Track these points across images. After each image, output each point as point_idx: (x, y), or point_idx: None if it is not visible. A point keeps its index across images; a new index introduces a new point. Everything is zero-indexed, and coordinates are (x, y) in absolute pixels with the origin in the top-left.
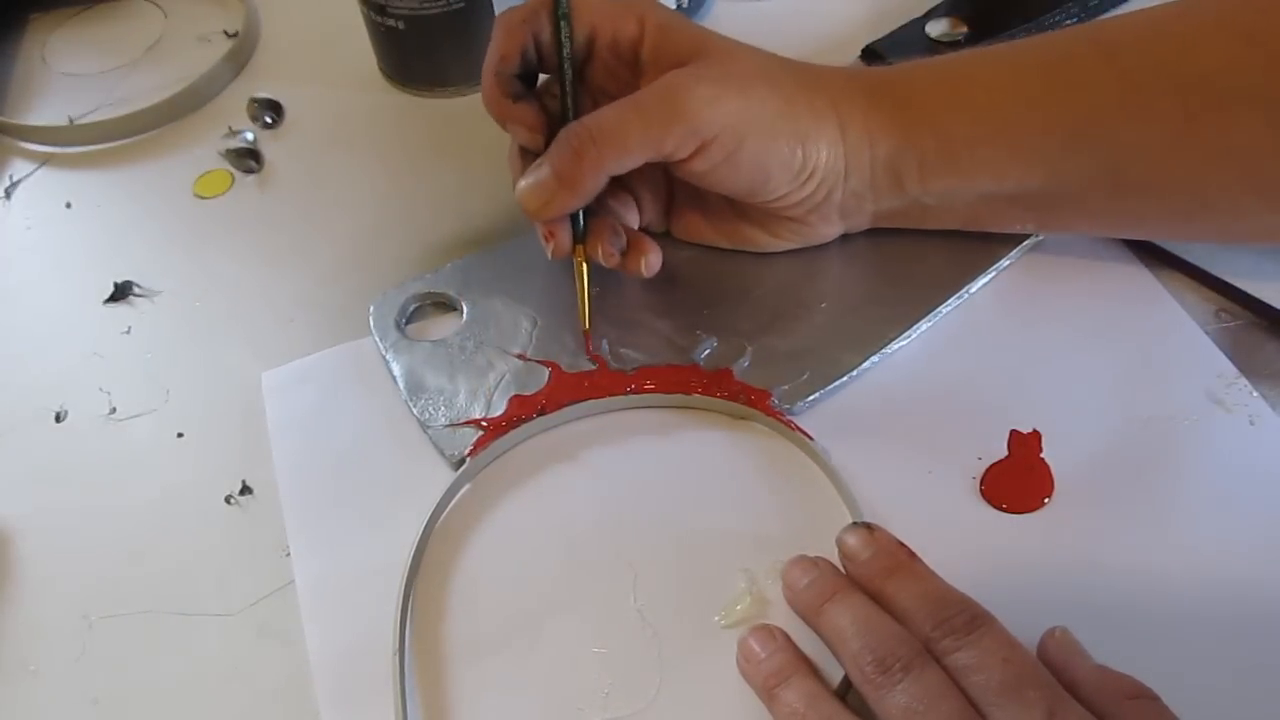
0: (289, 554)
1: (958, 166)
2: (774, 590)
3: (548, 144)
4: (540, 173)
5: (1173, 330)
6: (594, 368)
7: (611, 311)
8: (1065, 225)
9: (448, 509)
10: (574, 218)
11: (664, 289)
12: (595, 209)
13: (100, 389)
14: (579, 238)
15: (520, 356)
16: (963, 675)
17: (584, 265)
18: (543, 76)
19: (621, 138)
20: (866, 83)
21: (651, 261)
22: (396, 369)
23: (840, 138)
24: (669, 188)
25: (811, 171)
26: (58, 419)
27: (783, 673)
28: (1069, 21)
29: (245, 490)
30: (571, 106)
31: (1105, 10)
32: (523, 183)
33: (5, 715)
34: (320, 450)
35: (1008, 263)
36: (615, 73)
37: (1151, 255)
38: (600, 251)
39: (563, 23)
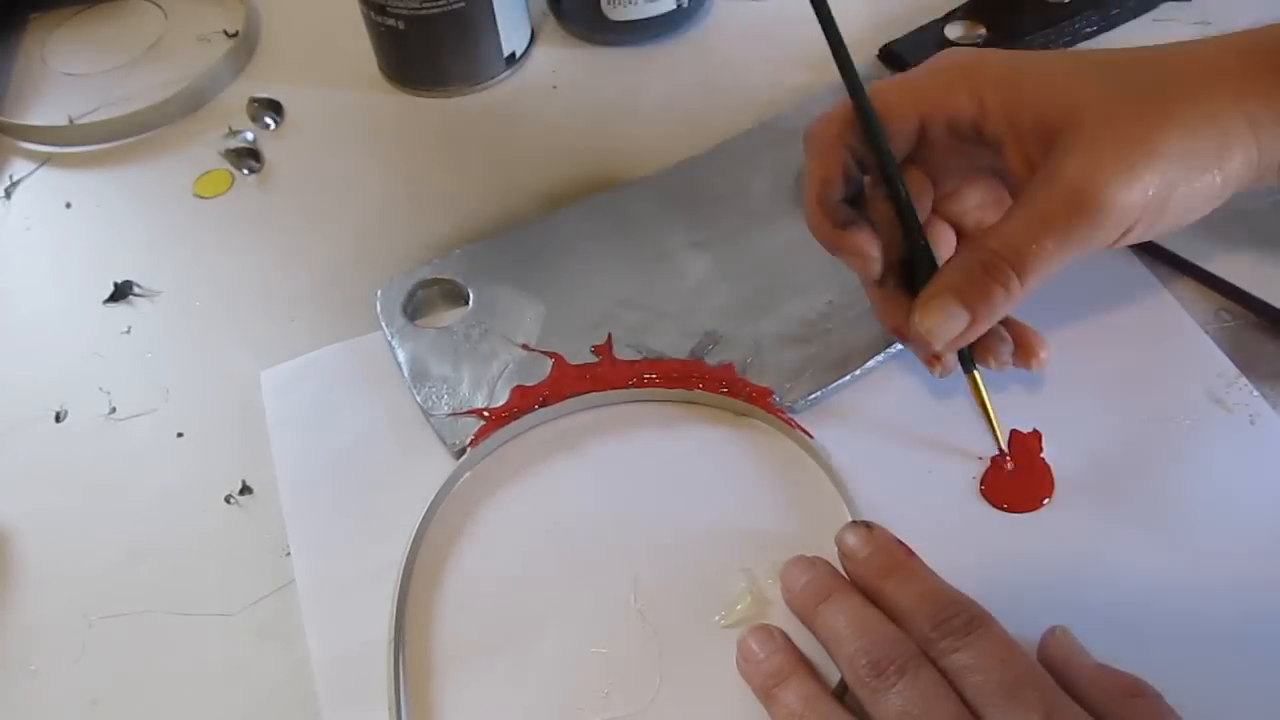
0: (289, 554)
1: None
2: (774, 590)
3: (888, 264)
4: (947, 304)
5: (1173, 330)
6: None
7: (616, 307)
8: None
9: (447, 497)
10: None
11: (670, 285)
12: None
13: (100, 389)
14: (970, 364)
15: (525, 346)
16: (960, 676)
17: (980, 380)
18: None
19: (1039, 256)
20: (1265, 52)
21: (1043, 357)
22: (401, 355)
23: (1253, 137)
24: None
25: (1225, 189)
26: (58, 419)
27: (781, 673)
28: (1089, 29)
29: (245, 490)
30: (912, 221)
31: (1126, 18)
32: (927, 318)
33: (5, 715)
34: (320, 449)
35: None
36: (957, 150)
37: (1152, 255)
38: (993, 361)
39: (876, 130)
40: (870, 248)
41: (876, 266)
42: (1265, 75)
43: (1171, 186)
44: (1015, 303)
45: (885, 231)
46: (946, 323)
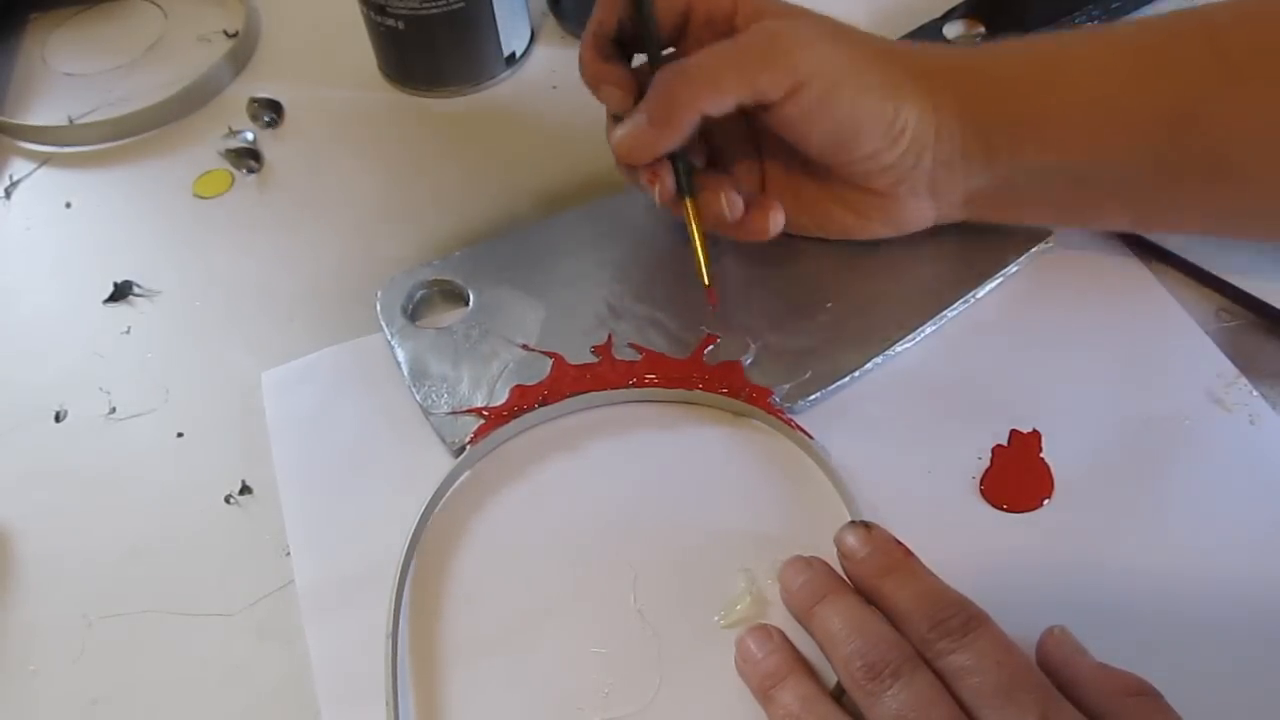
0: (289, 554)
1: (1051, 138)
2: (774, 590)
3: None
4: (634, 117)
5: (1173, 330)
6: (597, 360)
7: (618, 306)
8: (1164, 221)
9: (447, 496)
10: (678, 171)
11: (672, 285)
12: (700, 183)
13: (100, 389)
14: (688, 191)
15: (524, 346)
16: (957, 677)
17: (695, 213)
18: (639, 59)
19: (717, 76)
20: (953, 59)
21: (777, 218)
22: (401, 355)
23: (930, 102)
24: (762, 173)
25: (902, 129)
26: (58, 419)
27: (779, 673)
28: (1089, 22)
29: (245, 490)
30: (654, 51)
31: (1127, 10)
32: (616, 131)
33: (5, 715)
34: (320, 449)
35: (1015, 269)
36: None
37: (1152, 254)
38: (724, 200)
39: None
40: (626, 83)
41: (629, 100)
42: (944, 67)
43: (843, 75)
44: (692, 113)
45: (643, 88)
46: (627, 129)
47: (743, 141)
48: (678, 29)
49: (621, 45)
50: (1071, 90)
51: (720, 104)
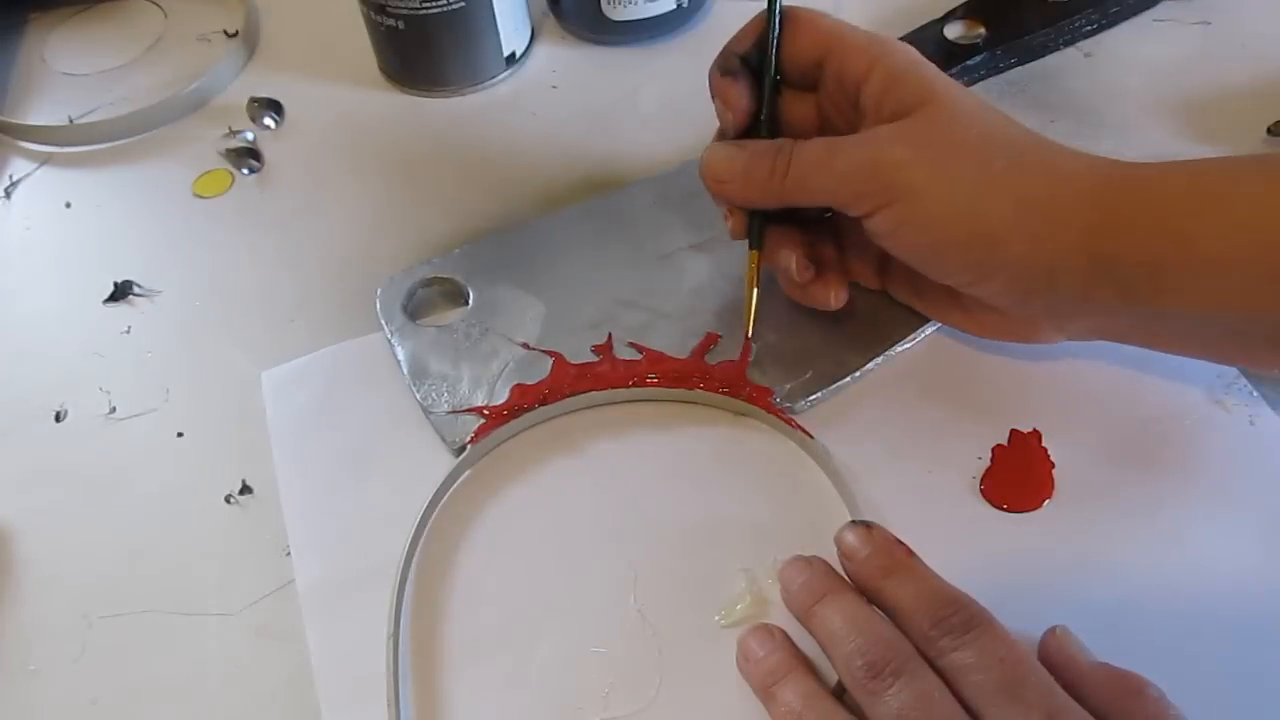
0: (289, 553)
1: (1205, 288)
2: (774, 590)
3: (741, 126)
4: (736, 153)
5: None
6: (598, 359)
7: (616, 306)
8: None
9: (447, 496)
10: (753, 221)
11: (672, 283)
12: (774, 238)
13: (100, 388)
14: (756, 243)
15: (524, 345)
16: (960, 676)
17: (757, 267)
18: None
19: (810, 174)
20: (1104, 174)
21: (840, 295)
22: (401, 354)
23: (1048, 233)
24: (883, 272)
25: (995, 269)
26: (58, 418)
27: (780, 671)
28: (1088, 28)
29: (245, 490)
30: (766, 107)
31: (1126, 16)
32: (717, 149)
33: (5, 715)
34: (320, 449)
35: None
36: (840, 107)
37: None
38: (794, 264)
39: (774, 25)
40: (739, 103)
41: (737, 120)
42: (1087, 184)
43: (928, 205)
44: (778, 196)
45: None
46: (724, 162)
47: None
48: (810, 76)
49: (749, 66)
50: (1235, 232)
51: (803, 199)
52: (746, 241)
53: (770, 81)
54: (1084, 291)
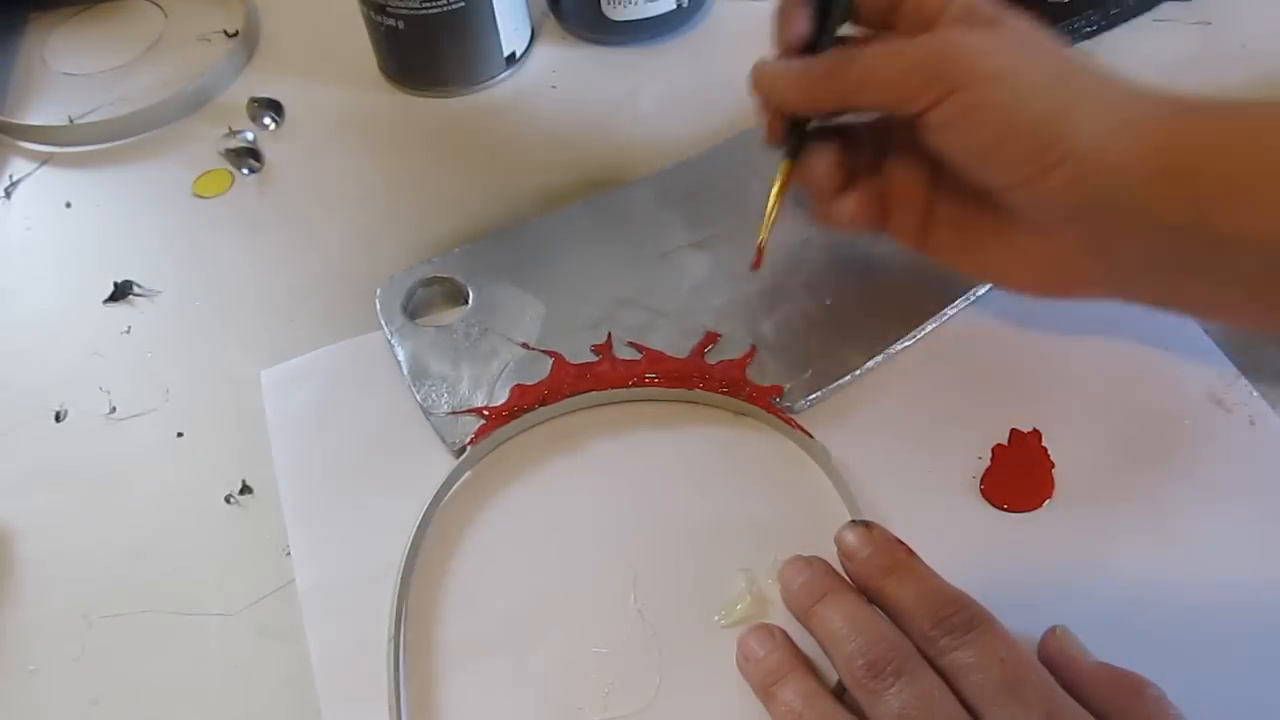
0: (289, 553)
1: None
2: (774, 589)
3: (800, 41)
4: (789, 64)
5: (1173, 330)
6: (596, 359)
7: (616, 306)
8: None
9: (447, 496)
10: (792, 129)
11: (672, 284)
12: (814, 146)
13: (100, 388)
14: (791, 152)
15: (524, 345)
16: (960, 675)
17: (786, 179)
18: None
19: (875, 66)
20: (1183, 97)
21: (863, 209)
22: (401, 354)
23: (1123, 130)
24: (924, 176)
25: (1061, 159)
26: (58, 418)
27: (780, 671)
28: (1089, 28)
29: (245, 490)
30: (826, 36)
31: (1126, 17)
32: (767, 64)
33: (5, 715)
34: (320, 448)
35: None
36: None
37: None
38: (824, 168)
39: None
40: (795, 25)
41: (792, 32)
42: (1161, 99)
43: (1005, 79)
44: (835, 89)
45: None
46: (778, 68)
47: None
48: (885, 15)
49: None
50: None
51: (866, 103)
52: (780, 154)
53: (839, 8)
54: (1149, 204)
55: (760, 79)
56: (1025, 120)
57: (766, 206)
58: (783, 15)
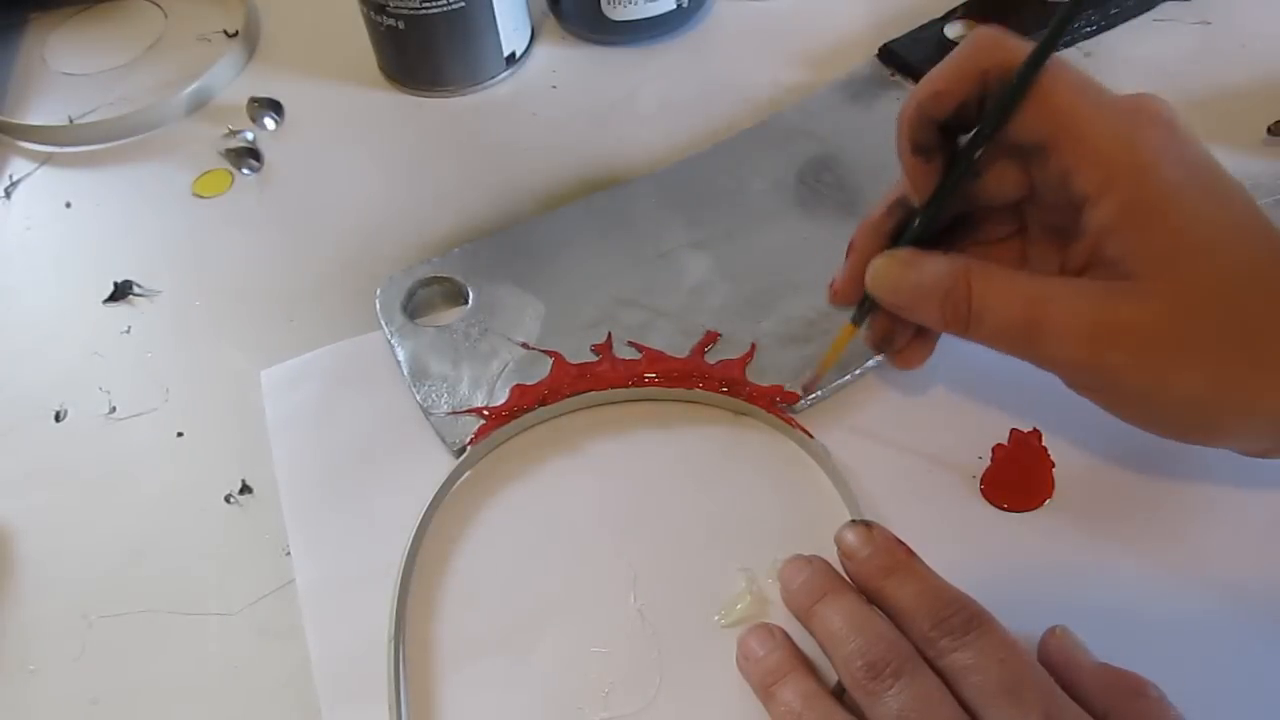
0: (289, 553)
1: None
2: (774, 589)
3: (925, 218)
4: (906, 272)
5: None
6: (596, 359)
7: (615, 305)
8: None
9: (447, 496)
10: (865, 301)
11: (670, 284)
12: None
13: (100, 388)
14: (859, 319)
15: (524, 345)
16: (959, 676)
17: (846, 336)
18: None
19: (991, 327)
20: None
21: (911, 359)
22: (401, 354)
23: (1272, 434)
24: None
25: (1232, 434)
26: (57, 418)
27: (780, 671)
28: (1089, 29)
29: (245, 489)
30: (942, 199)
31: (1126, 17)
32: (887, 261)
33: (5, 715)
34: (320, 448)
35: None
36: (1054, 204)
37: None
38: (879, 332)
39: (1011, 99)
40: (924, 183)
41: (913, 200)
42: None
43: (1133, 407)
44: (958, 329)
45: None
46: (887, 284)
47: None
48: (1025, 151)
49: (946, 132)
50: None
51: (974, 339)
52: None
53: (967, 170)
54: None
55: (877, 281)
56: (1170, 431)
57: (825, 357)
58: (910, 175)
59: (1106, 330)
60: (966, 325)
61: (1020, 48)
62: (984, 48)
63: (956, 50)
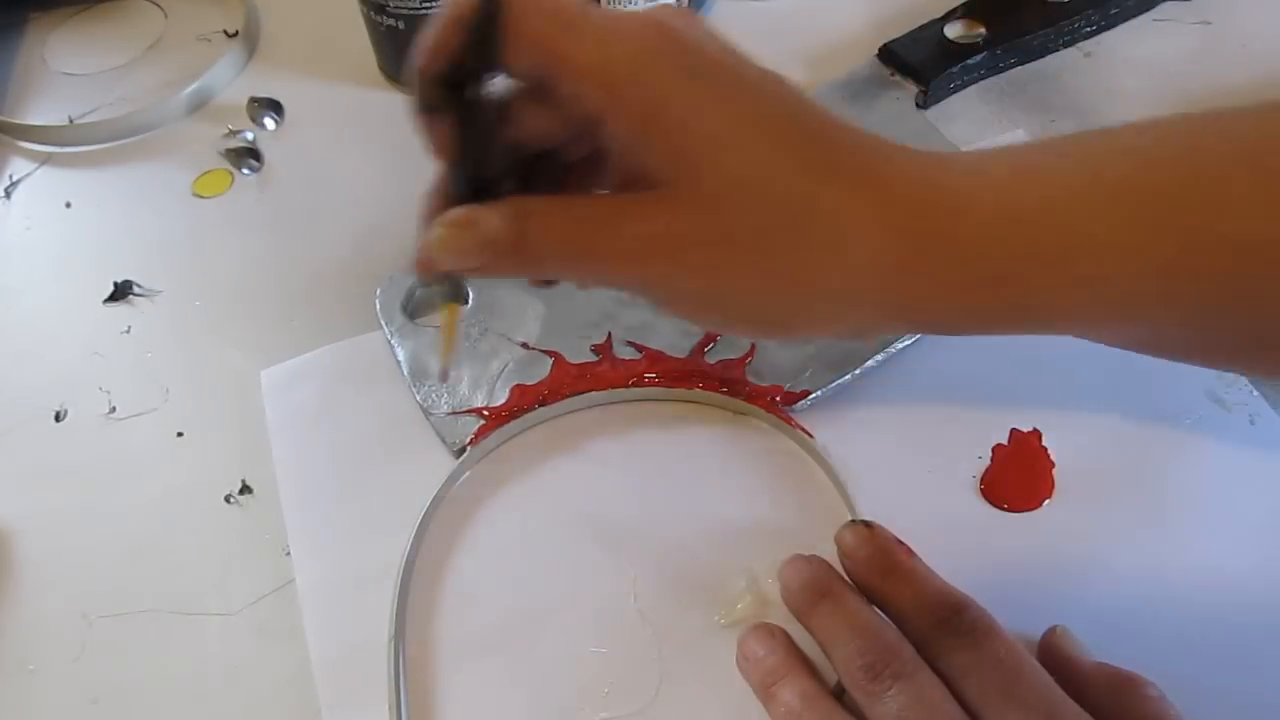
0: (289, 553)
1: (1031, 320)
2: (774, 589)
3: (458, 175)
4: (461, 232)
5: None
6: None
7: (618, 304)
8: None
9: (447, 497)
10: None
11: None
12: None
13: (100, 388)
14: (455, 294)
15: (524, 345)
16: (959, 677)
17: (456, 313)
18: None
19: (554, 262)
20: (901, 211)
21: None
22: (401, 354)
23: (844, 314)
24: None
25: (801, 334)
26: (57, 418)
27: (780, 671)
28: (1089, 28)
29: (245, 489)
30: (469, 157)
31: (1126, 16)
32: (433, 228)
33: (5, 715)
34: (320, 448)
35: None
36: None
37: None
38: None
39: (476, 35)
40: (447, 144)
41: (443, 168)
42: (891, 247)
43: (716, 307)
44: (529, 270)
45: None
46: (451, 252)
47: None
48: (539, 87)
49: (459, 88)
50: (1062, 265)
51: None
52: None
53: (477, 119)
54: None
55: (438, 247)
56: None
57: (442, 345)
58: (427, 138)
59: (643, 241)
60: (540, 264)
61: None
62: (453, 16)
63: (449, 4)
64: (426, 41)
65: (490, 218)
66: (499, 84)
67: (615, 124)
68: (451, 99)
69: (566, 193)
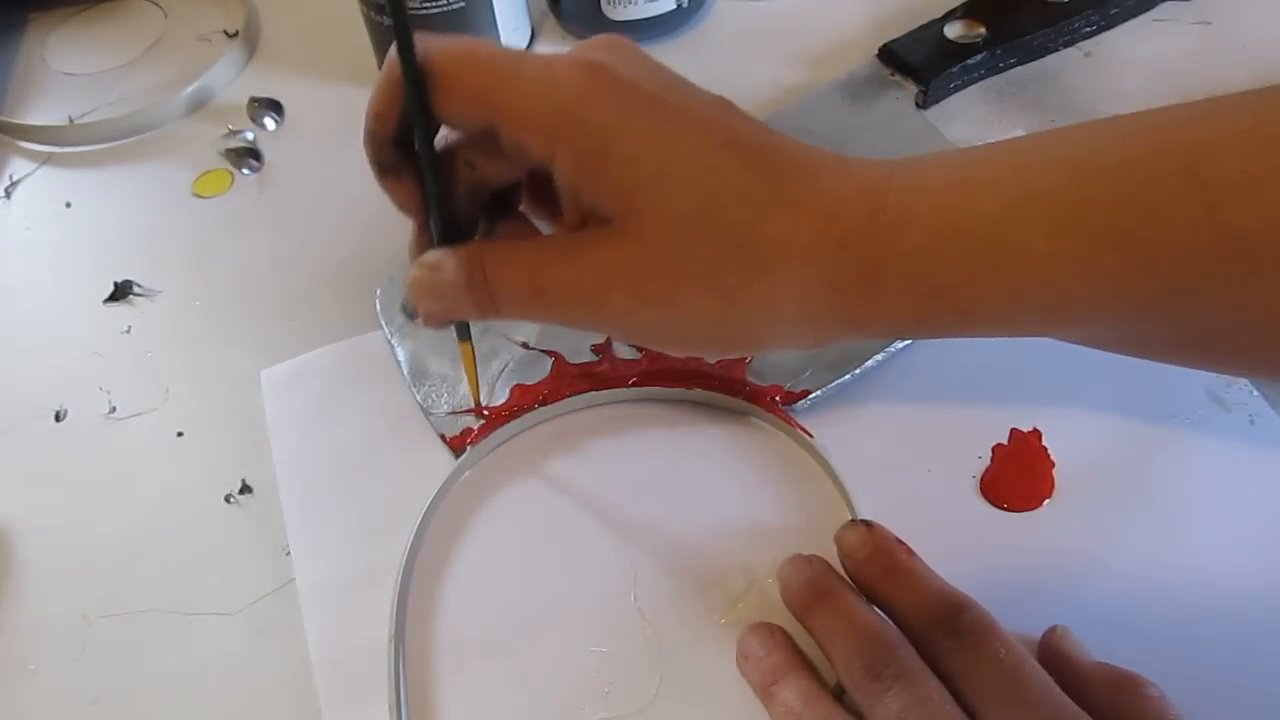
0: (289, 553)
1: (983, 326)
2: (774, 589)
3: (431, 228)
4: (430, 275)
5: None
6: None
7: None
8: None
9: (447, 497)
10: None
11: None
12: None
13: (100, 388)
14: (465, 334)
15: (524, 345)
16: (959, 677)
17: (471, 351)
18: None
19: (510, 304)
20: (845, 228)
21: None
22: (401, 354)
23: (802, 330)
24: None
25: (758, 348)
26: (57, 418)
27: (780, 670)
28: (1088, 29)
29: (245, 489)
30: (434, 204)
31: (1126, 17)
32: (411, 273)
33: (5, 714)
34: (320, 448)
35: None
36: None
37: None
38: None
39: (416, 99)
40: (410, 200)
41: (419, 217)
42: (833, 264)
43: (673, 339)
44: (493, 314)
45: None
46: (424, 294)
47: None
48: (492, 141)
49: (407, 146)
50: (1007, 278)
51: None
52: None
53: (430, 171)
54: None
55: (412, 290)
56: (712, 354)
57: (469, 381)
58: (391, 197)
59: (595, 278)
60: (496, 308)
61: (422, 47)
62: (392, 59)
63: (383, 68)
64: (372, 107)
65: (448, 263)
66: (450, 135)
67: (561, 167)
68: (405, 157)
69: (545, 219)
